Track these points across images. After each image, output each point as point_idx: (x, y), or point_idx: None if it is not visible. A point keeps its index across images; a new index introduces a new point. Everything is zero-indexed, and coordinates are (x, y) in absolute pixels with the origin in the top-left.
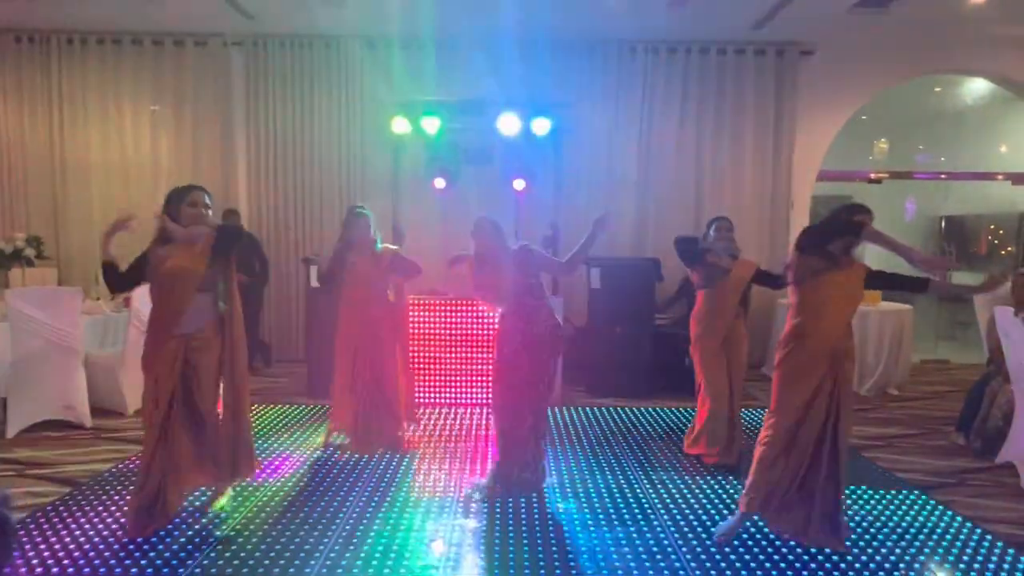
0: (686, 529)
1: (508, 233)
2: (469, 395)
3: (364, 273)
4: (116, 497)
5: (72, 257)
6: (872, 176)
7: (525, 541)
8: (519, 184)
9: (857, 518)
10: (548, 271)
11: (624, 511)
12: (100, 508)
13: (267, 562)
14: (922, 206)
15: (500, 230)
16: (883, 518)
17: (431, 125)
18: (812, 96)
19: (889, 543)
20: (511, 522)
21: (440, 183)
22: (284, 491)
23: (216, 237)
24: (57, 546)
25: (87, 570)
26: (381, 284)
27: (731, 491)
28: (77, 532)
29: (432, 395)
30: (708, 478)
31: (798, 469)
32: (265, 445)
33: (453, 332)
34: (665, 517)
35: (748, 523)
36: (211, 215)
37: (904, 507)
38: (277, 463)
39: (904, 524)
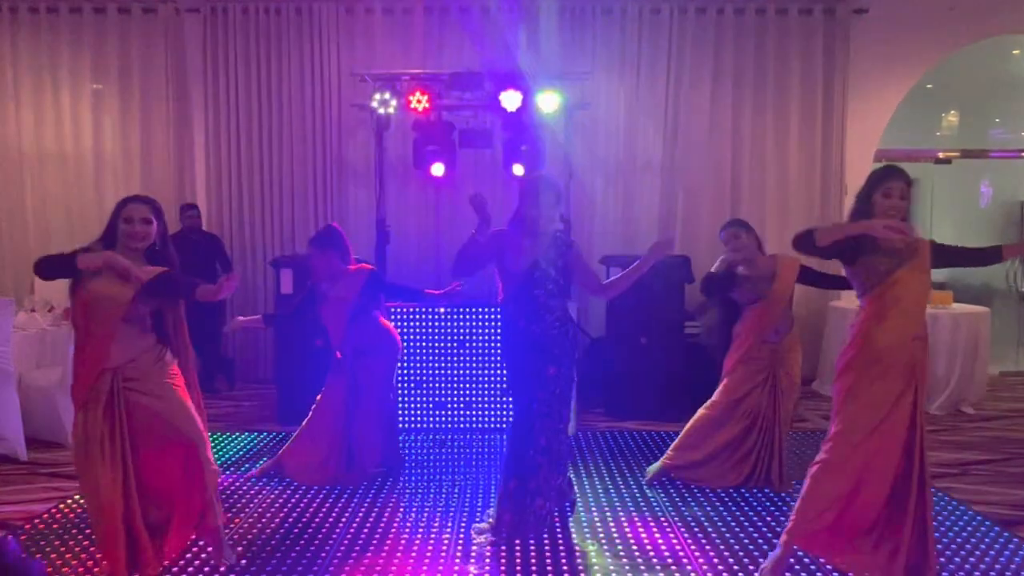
0: None
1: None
2: (468, 419)
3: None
4: (57, 542)
5: (3, 262)
6: (940, 155)
7: None
8: (518, 169)
9: None
10: (581, 283)
11: (652, 555)
12: (39, 556)
13: None
14: (999, 189)
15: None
16: (957, 559)
17: (420, 102)
18: (867, 62)
19: None
20: (519, 569)
21: (438, 169)
22: (252, 533)
23: (151, 283)
24: None
25: None
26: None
27: (780, 531)
28: None
29: (425, 419)
30: (752, 515)
31: (877, 502)
32: (230, 478)
33: (449, 344)
34: (701, 561)
35: (795, 562)
36: (154, 230)
37: (983, 546)
38: (242, 499)
39: (983, 566)
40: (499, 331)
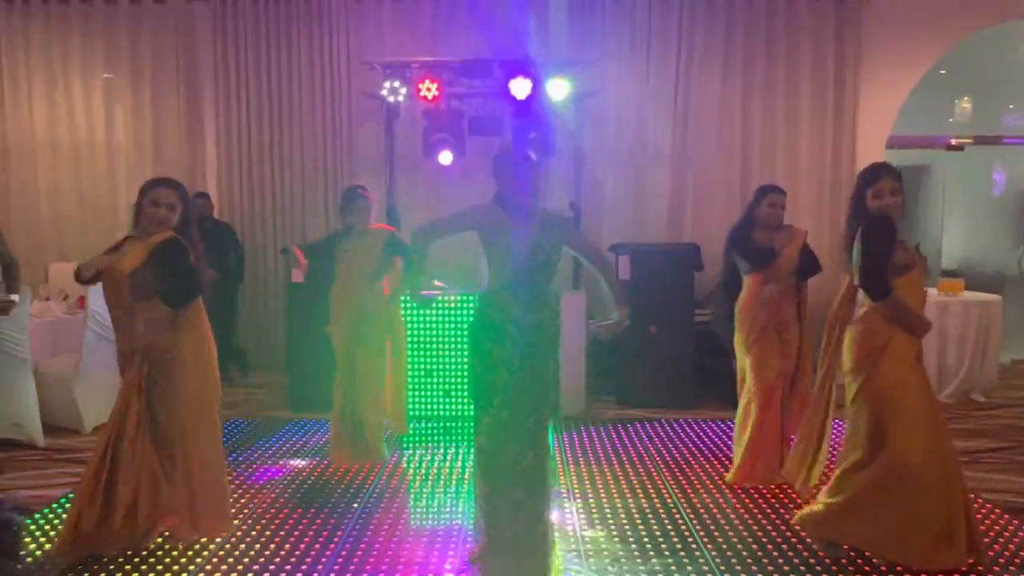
0: (734, 562)
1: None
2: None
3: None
4: None
5: (17, 251)
6: (953, 142)
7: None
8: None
9: None
10: (587, 257)
11: (661, 540)
12: (57, 539)
13: None
14: (1012, 176)
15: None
16: None
17: (430, 90)
18: (880, 47)
19: None
20: None
21: (446, 158)
22: (265, 519)
23: (153, 252)
24: None
25: None
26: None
27: (788, 516)
28: (32, 567)
29: (432, 408)
30: (760, 501)
31: None
32: (243, 464)
33: (456, 333)
34: (710, 547)
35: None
36: (177, 216)
37: (991, 533)
38: (256, 485)
39: (992, 554)
40: (479, 328)
